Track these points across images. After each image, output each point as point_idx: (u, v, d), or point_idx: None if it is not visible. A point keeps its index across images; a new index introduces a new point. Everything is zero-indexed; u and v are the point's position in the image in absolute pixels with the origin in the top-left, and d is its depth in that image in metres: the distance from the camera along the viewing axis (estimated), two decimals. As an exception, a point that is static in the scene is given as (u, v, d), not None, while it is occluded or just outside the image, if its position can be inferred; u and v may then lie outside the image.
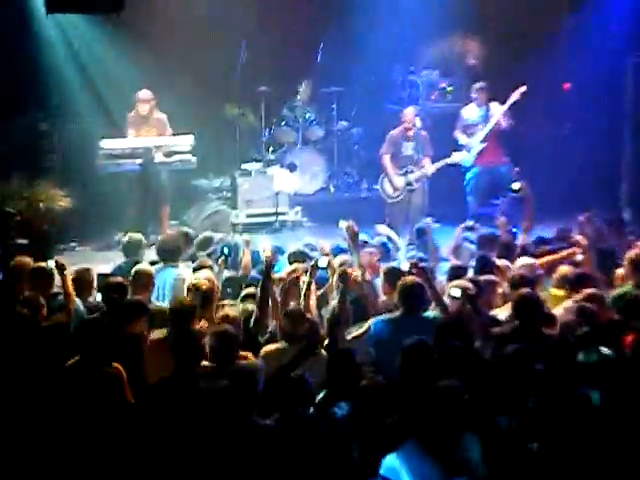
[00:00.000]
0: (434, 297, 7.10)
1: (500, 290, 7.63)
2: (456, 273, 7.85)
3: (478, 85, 11.97)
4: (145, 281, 7.65)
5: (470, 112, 12.05)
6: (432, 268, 8.21)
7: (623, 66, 12.44)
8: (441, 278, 8.17)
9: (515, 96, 11.66)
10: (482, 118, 11.92)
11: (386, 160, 11.80)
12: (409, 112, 11.85)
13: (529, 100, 11.75)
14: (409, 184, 11.65)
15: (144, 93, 11.88)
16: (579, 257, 8.29)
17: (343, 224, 8.39)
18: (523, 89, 11.61)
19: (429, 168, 11.61)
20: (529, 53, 12.74)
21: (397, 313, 6.98)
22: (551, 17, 12.82)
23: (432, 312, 7.04)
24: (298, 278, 7.43)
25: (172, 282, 7.97)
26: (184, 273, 8.12)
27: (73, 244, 11.92)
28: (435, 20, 13.01)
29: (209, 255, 8.63)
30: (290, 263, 8.00)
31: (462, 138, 11.97)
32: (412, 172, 11.63)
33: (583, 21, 12.69)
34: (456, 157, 11.63)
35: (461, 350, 5.92)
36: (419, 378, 5.66)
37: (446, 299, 7.10)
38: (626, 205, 12.33)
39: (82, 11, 11.59)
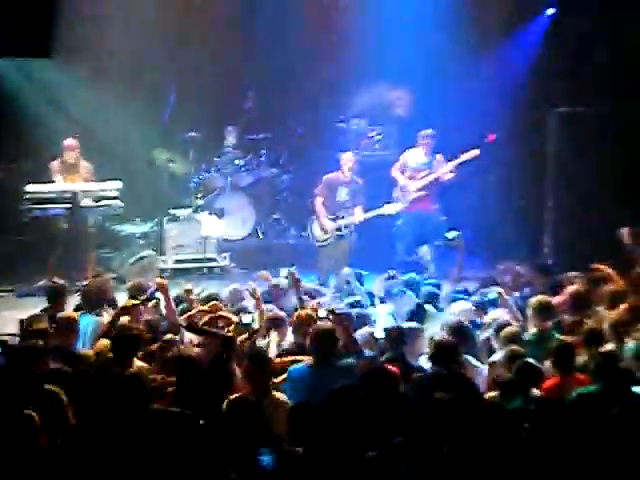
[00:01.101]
0: (349, 344, 7.05)
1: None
2: None
3: (425, 132, 11.90)
4: (68, 327, 7.55)
5: (415, 157, 11.88)
6: (361, 314, 8.21)
7: (545, 116, 12.70)
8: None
9: (466, 157, 11.67)
10: (426, 165, 11.82)
11: (318, 202, 11.82)
12: (347, 157, 11.83)
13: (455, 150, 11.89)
14: (338, 229, 11.69)
15: (70, 141, 11.81)
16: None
17: (284, 272, 8.41)
18: (475, 153, 11.65)
19: (359, 216, 11.65)
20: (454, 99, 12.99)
21: (310, 362, 6.86)
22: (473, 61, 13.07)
23: (345, 360, 6.90)
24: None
25: (93, 329, 7.85)
26: (106, 320, 8.02)
27: (-4, 289, 11.73)
28: (363, 68, 13.21)
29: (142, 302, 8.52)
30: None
31: (400, 178, 11.91)
32: (342, 218, 11.67)
33: (504, 66, 13.03)
34: (388, 209, 11.62)
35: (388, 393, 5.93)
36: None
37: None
38: (549, 254, 12.52)
39: (10, 55, 11.54)
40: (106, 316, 8.18)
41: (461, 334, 7.35)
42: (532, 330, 7.78)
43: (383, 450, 5.37)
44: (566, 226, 12.44)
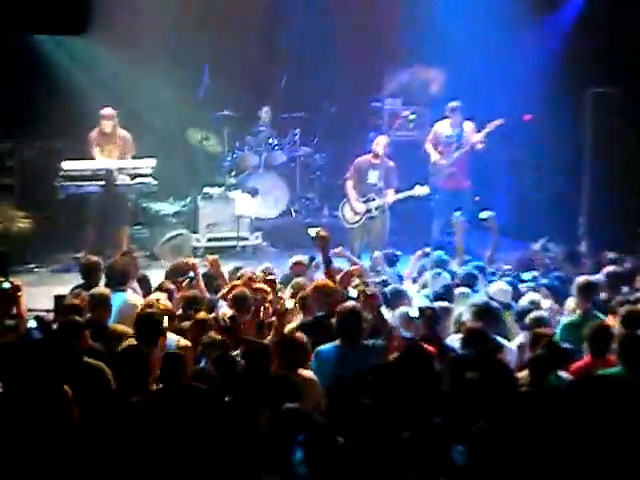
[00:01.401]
0: (381, 324, 7.02)
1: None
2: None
3: (452, 104, 11.94)
4: (102, 303, 7.60)
5: (444, 128, 11.98)
6: (397, 292, 8.20)
7: (582, 97, 12.58)
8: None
9: (491, 127, 11.72)
10: (456, 138, 11.89)
11: (349, 185, 11.84)
12: (381, 140, 11.81)
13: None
14: (369, 211, 11.69)
15: (107, 110, 11.85)
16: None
17: (312, 231, 8.39)
18: (500, 122, 11.69)
19: (390, 198, 11.64)
20: (491, 80, 12.91)
21: (336, 342, 6.80)
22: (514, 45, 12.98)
23: (372, 340, 6.86)
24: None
25: (119, 306, 7.89)
26: (132, 298, 8.07)
27: (31, 265, 11.81)
28: (398, 48, 13.15)
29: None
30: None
31: (433, 153, 11.98)
32: (373, 200, 11.67)
33: (542, 50, 12.91)
34: (418, 190, 11.59)
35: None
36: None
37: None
38: (584, 236, 12.42)
39: (44, 32, 11.58)
40: (130, 293, 8.21)
41: (488, 314, 7.30)
42: (576, 311, 7.71)
43: (421, 430, 5.35)
44: (601, 208, 12.32)
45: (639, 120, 12.17)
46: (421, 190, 11.60)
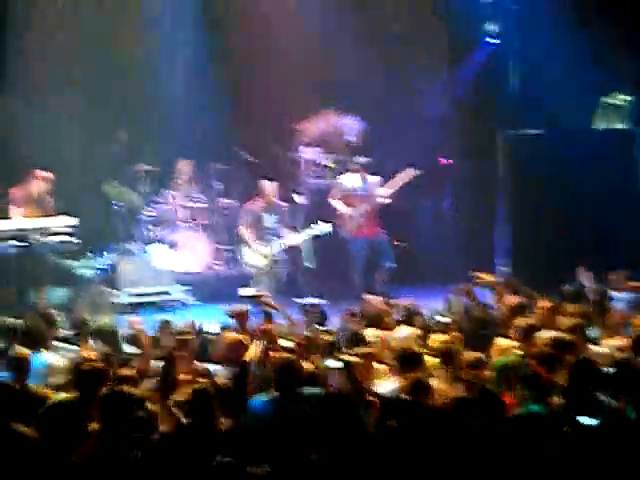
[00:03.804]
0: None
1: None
2: None
3: (358, 160, 12.12)
4: (22, 365, 7.41)
5: (349, 181, 12.14)
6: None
7: (494, 140, 12.81)
8: None
9: (404, 178, 11.85)
10: (361, 189, 12.03)
11: (244, 232, 11.87)
12: (267, 187, 11.96)
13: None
14: (274, 255, 11.69)
15: (43, 173, 11.69)
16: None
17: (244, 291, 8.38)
18: (413, 172, 11.82)
19: (290, 239, 11.70)
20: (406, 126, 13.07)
21: (272, 393, 6.75)
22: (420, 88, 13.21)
23: (308, 389, 6.86)
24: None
25: (40, 368, 7.70)
26: (50, 358, 7.89)
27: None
28: (312, 97, 13.28)
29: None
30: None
31: (341, 206, 12.08)
32: (276, 244, 11.69)
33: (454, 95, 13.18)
34: (320, 227, 11.76)
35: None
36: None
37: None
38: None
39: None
40: (45, 354, 8.03)
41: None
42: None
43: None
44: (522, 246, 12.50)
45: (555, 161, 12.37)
46: (323, 227, 11.72)
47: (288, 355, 7.08)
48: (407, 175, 11.86)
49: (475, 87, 13.43)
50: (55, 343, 8.37)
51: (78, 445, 5.83)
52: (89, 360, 7.11)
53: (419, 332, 8.13)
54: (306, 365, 7.17)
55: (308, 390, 6.85)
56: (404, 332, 8.14)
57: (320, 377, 7.14)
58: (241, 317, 8.33)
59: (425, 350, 7.63)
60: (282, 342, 7.63)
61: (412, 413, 6.14)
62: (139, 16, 13.55)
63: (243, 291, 8.59)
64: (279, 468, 5.73)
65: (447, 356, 7.31)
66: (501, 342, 7.78)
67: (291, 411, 6.38)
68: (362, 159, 12.10)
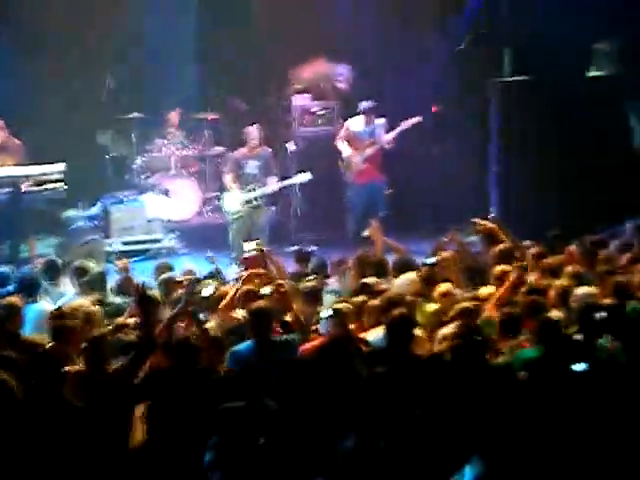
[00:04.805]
0: (295, 320, 7.09)
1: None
2: None
3: (365, 104, 11.94)
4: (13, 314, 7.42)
5: (357, 124, 11.98)
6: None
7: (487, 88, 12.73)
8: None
9: (406, 125, 11.77)
10: (368, 133, 11.85)
11: (228, 178, 11.83)
12: (252, 132, 11.84)
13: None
14: (250, 201, 11.68)
15: None
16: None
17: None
18: (417, 120, 11.75)
19: (272, 186, 11.68)
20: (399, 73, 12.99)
21: (249, 342, 6.80)
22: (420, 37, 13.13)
23: (285, 336, 6.94)
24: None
25: (34, 319, 7.72)
26: (46, 307, 7.91)
27: None
28: (305, 44, 13.18)
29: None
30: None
31: (345, 149, 12.00)
32: (254, 190, 11.67)
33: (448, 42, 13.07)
34: (300, 177, 11.79)
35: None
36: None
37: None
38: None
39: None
40: (42, 304, 8.05)
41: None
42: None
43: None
44: (513, 194, 12.48)
45: (552, 106, 12.28)
46: (303, 177, 11.72)
47: (261, 302, 7.07)
48: (411, 122, 11.76)
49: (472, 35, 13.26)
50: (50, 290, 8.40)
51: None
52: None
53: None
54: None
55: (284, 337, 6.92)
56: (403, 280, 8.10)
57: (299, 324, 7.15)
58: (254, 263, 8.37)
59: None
60: (263, 290, 7.63)
61: (398, 361, 6.19)
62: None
63: (247, 245, 8.66)
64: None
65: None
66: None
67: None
68: (368, 103, 11.92)
